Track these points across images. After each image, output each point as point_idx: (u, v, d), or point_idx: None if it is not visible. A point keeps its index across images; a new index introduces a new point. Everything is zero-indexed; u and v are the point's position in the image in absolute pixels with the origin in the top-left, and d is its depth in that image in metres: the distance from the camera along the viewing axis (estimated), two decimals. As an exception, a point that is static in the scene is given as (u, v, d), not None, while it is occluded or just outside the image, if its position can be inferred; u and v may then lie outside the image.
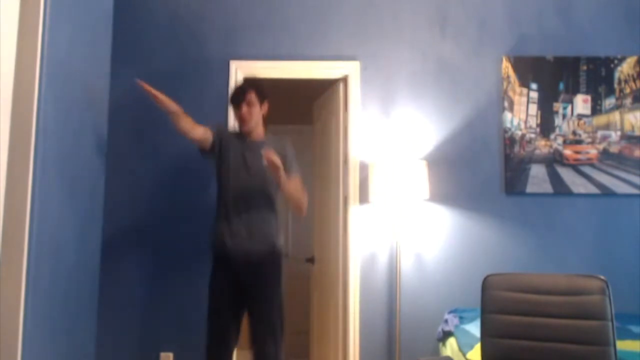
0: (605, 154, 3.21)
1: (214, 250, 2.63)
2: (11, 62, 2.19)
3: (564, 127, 3.24)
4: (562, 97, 3.25)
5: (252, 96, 2.64)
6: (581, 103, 3.25)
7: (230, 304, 2.55)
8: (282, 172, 2.44)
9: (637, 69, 3.25)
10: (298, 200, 2.62)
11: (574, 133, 3.23)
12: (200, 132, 2.62)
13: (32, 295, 2.22)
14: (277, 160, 2.40)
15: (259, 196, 2.59)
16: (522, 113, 3.24)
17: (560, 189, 3.18)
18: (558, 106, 3.25)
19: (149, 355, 3.06)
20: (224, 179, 2.62)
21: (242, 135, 2.69)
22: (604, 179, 3.19)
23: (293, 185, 2.60)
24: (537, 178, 3.19)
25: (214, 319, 2.56)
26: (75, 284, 2.75)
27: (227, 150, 2.65)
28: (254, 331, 2.55)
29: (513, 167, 3.20)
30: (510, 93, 3.25)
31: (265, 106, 2.71)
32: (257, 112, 2.66)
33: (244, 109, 2.62)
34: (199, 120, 2.65)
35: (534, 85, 3.26)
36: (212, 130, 2.66)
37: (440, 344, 2.89)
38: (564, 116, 3.24)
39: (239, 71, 3.23)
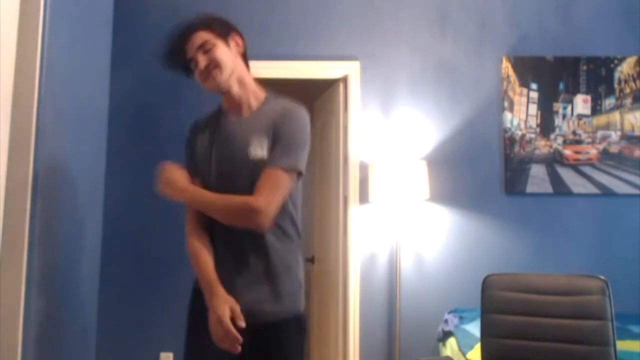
0: (605, 154, 3.21)
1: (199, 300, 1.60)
2: (11, 62, 2.19)
3: (564, 127, 3.24)
4: (562, 97, 3.25)
5: (205, 36, 1.59)
6: (581, 103, 3.25)
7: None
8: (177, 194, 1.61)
9: (637, 69, 3.25)
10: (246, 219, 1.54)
11: (574, 133, 3.23)
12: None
13: (32, 295, 2.22)
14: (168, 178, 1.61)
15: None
16: (522, 113, 3.24)
17: (560, 189, 3.18)
18: (558, 106, 3.25)
19: (149, 355, 3.06)
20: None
21: (224, 110, 1.69)
22: (604, 179, 3.18)
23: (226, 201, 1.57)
24: (537, 178, 3.19)
25: None
26: (75, 284, 2.75)
27: (199, 147, 1.70)
28: None
29: (513, 167, 3.20)
30: (510, 93, 3.25)
31: (237, 40, 1.67)
32: (224, 56, 1.60)
33: (201, 59, 1.58)
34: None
35: (534, 85, 3.25)
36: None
37: (440, 344, 2.89)
38: (564, 116, 3.24)
39: (239, 71, 3.22)
